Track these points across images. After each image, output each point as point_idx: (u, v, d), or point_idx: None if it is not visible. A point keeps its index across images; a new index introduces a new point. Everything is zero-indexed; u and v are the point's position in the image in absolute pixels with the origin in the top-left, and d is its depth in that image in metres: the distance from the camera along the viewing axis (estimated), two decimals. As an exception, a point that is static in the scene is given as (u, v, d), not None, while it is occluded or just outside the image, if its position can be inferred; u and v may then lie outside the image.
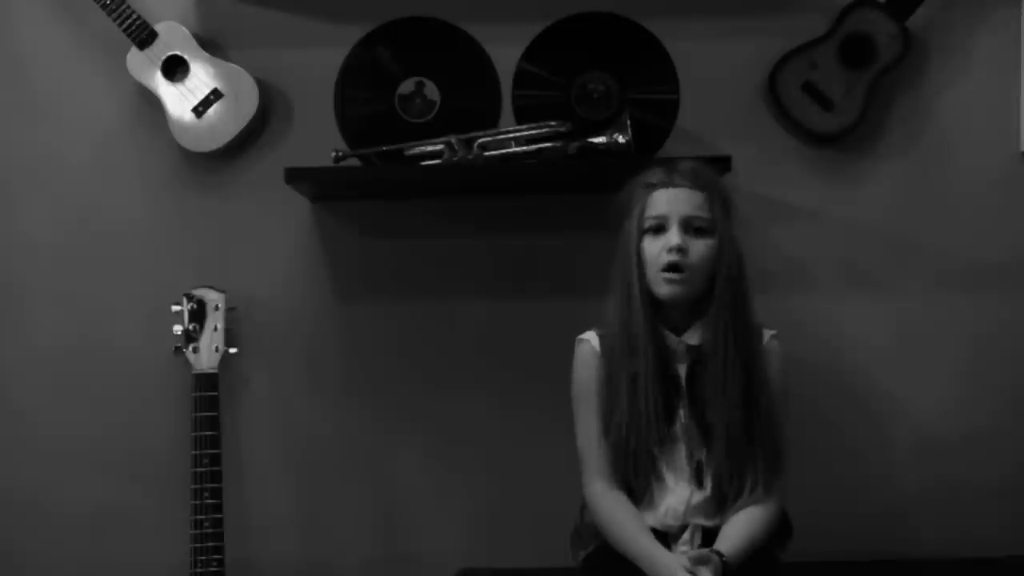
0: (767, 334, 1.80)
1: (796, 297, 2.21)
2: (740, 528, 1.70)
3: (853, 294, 2.22)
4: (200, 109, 2.15)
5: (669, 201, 1.73)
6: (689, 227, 1.72)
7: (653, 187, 1.75)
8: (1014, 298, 2.22)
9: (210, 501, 1.97)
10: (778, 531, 1.78)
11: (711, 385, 1.73)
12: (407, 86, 2.20)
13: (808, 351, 2.17)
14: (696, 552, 1.66)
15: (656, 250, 1.73)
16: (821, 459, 2.18)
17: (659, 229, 1.74)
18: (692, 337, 1.76)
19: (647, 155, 2.12)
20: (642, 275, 1.74)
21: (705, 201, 1.73)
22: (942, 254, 2.22)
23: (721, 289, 1.73)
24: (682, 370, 1.77)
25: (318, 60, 2.19)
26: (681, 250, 1.71)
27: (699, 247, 1.72)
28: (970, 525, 2.20)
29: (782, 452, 1.75)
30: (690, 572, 1.62)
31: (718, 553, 1.65)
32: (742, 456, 1.73)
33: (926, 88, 2.22)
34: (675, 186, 1.74)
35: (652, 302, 1.75)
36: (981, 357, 2.22)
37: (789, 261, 2.21)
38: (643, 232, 1.74)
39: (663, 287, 1.73)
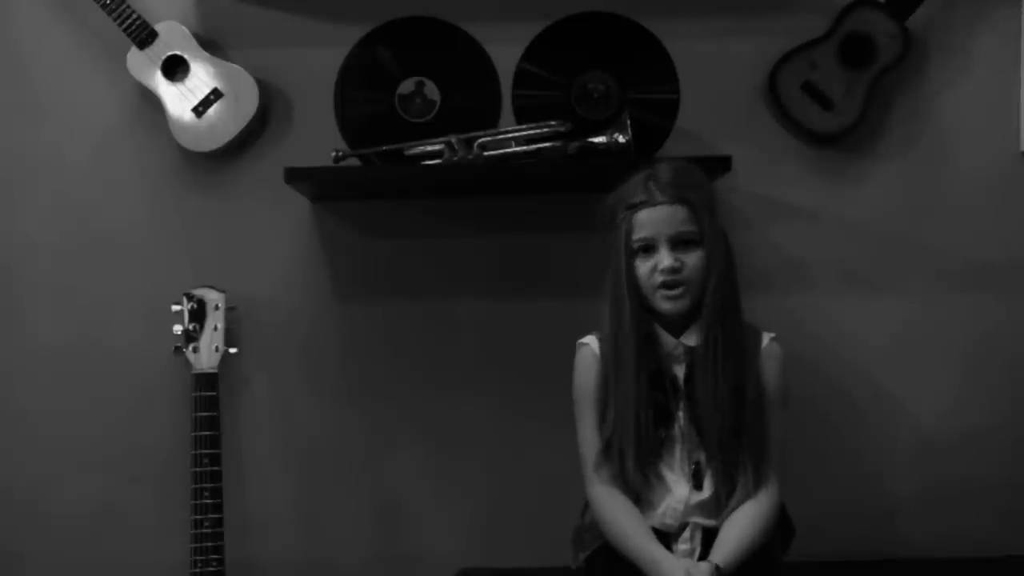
0: (766, 337, 1.80)
1: (796, 297, 2.21)
2: (734, 533, 1.71)
3: (853, 294, 2.22)
4: (200, 109, 2.15)
5: (654, 222, 1.72)
6: (678, 242, 1.72)
7: (636, 208, 1.74)
8: (1013, 298, 2.22)
9: (210, 501, 1.97)
10: (780, 531, 1.78)
11: (701, 387, 1.73)
12: (407, 86, 2.20)
13: (808, 351, 2.17)
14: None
15: (648, 271, 1.73)
16: (821, 459, 2.19)
17: (648, 249, 1.73)
18: (690, 338, 1.76)
19: (647, 155, 2.12)
20: (633, 292, 1.74)
21: (689, 214, 1.72)
22: (942, 254, 2.22)
23: (711, 294, 1.73)
24: (680, 372, 1.77)
25: (318, 60, 2.19)
26: (675, 270, 1.71)
27: (691, 260, 1.72)
28: (970, 525, 2.20)
29: (773, 452, 1.75)
30: None
31: (716, 567, 1.66)
32: (733, 456, 1.73)
33: (926, 88, 2.22)
34: (657, 204, 1.72)
35: (645, 311, 1.76)
36: (981, 357, 2.22)
37: (789, 261, 2.21)
38: (632, 253, 1.74)
39: (663, 304, 1.73)
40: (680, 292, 1.72)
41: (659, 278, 1.72)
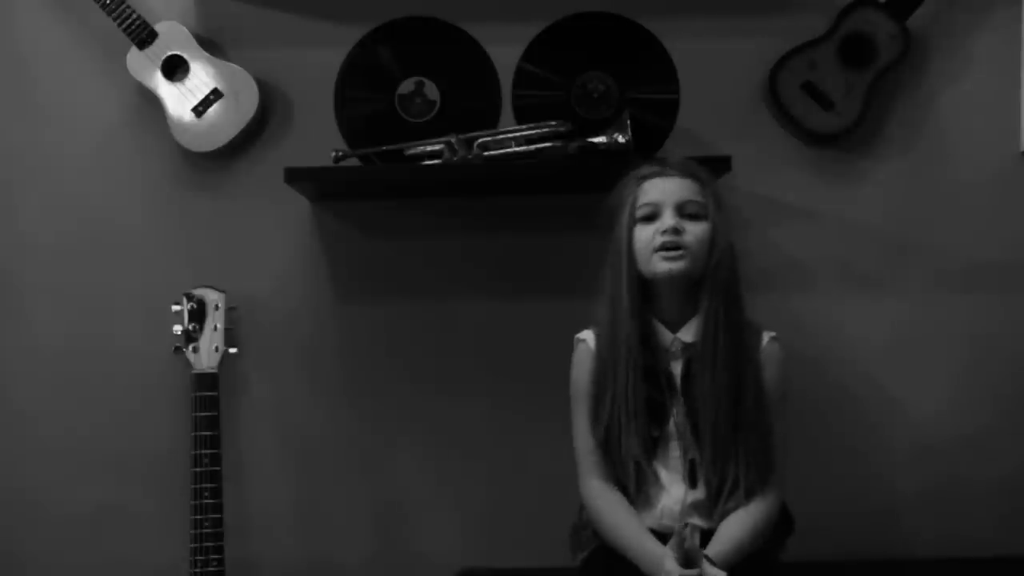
0: (766, 336, 1.79)
1: (796, 297, 2.21)
2: (730, 533, 1.70)
3: (852, 294, 2.22)
4: (200, 109, 2.15)
5: (662, 189, 1.74)
6: (683, 212, 1.73)
7: (645, 178, 1.76)
8: (1013, 298, 2.22)
9: (210, 501, 1.97)
10: (778, 527, 1.77)
11: (699, 384, 1.73)
12: (407, 86, 2.20)
13: (808, 351, 2.17)
14: (685, 545, 1.65)
15: (649, 235, 1.72)
16: (821, 459, 2.19)
17: (652, 217, 1.74)
18: (687, 334, 1.75)
19: (647, 155, 2.11)
20: (632, 265, 1.74)
21: (699, 188, 1.75)
22: (941, 254, 2.22)
23: (712, 279, 1.72)
24: (676, 367, 1.76)
25: (318, 60, 2.19)
26: (676, 231, 1.71)
27: (694, 228, 1.72)
28: (969, 525, 2.20)
29: (772, 452, 1.74)
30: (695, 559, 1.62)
31: (707, 558, 1.64)
32: (729, 455, 1.72)
33: (926, 88, 2.22)
34: (667, 175, 1.75)
35: (644, 295, 1.75)
36: (980, 357, 2.22)
37: (789, 261, 2.21)
38: (635, 221, 1.75)
39: (660, 265, 1.71)
40: (679, 254, 1.70)
41: (659, 240, 1.71)
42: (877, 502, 2.22)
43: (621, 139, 2.05)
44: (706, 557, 1.63)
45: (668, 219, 1.72)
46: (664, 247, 1.71)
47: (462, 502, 2.22)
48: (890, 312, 2.22)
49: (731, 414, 1.71)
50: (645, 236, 1.73)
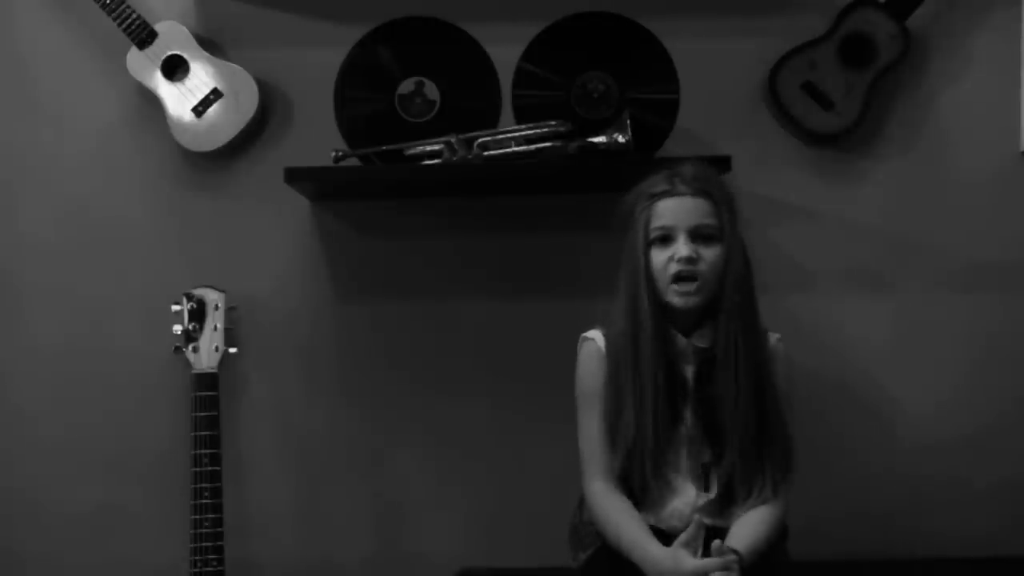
0: (772, 337, 1.79)
1: (796, 297, 2.21)
2: (752, 527, 1.69)
3: (853, 294, 2.22)
4: (200, 109, 2.15)
5: (675, 211, 1.71)
6: (697, 235, 1.71)
7: (657, 197, 1.73)
8: (1014, 298, 2.22)
9: (210, 501, 1.97)
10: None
11: (723, 389, 1.72)
12: (407, 86, 2.20)
13: (808, 351, 2.17)
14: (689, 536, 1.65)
15: (664, 260, 1.71)
16: (821, 459, 2.18)
17: (666, 239, 1.72)
18: (701, 339, 1.75)
19: (647, 155, 2.12)
20: (650, 285, 1.72)
21: (711, 208, 1.71)
22: (942, 254, 2.22)
23: (730, 295, 1.71)
24: (689, 372, 1.76)
25: (318, 60, 2.19)
26: (691, 260, 1.69)
27: (709, 255, 1.71)
28: (970, 525, 2.20)
29: (791, 454, 1.75)
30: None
31: (735, 551, 1.63)
32: (754, 459, 1.72)
33: (926, 88, 2.22)
34: (680, 195, 1.71)
35: (660, 306, 1.74)
36: (981, 357, 2.22)
37: (789, 261, 2.21)
38: (649, 243, 1.73)
39: (676, 298, 1.71)
40: (693, 288, 1.70)
41: (674, 268, 1.70)
42: (877, 502, 2.22)
43: (621, 139, 2.05)
44: (731, 550, 1.63)
45: (683, 248, 1.69)
46: (679, 277, 1.70)
47: (462, 502, 2.22)
48: (890, 312, 2.22)
49: (756, 418, 1.71)
50: (660, 260, 1.72)
